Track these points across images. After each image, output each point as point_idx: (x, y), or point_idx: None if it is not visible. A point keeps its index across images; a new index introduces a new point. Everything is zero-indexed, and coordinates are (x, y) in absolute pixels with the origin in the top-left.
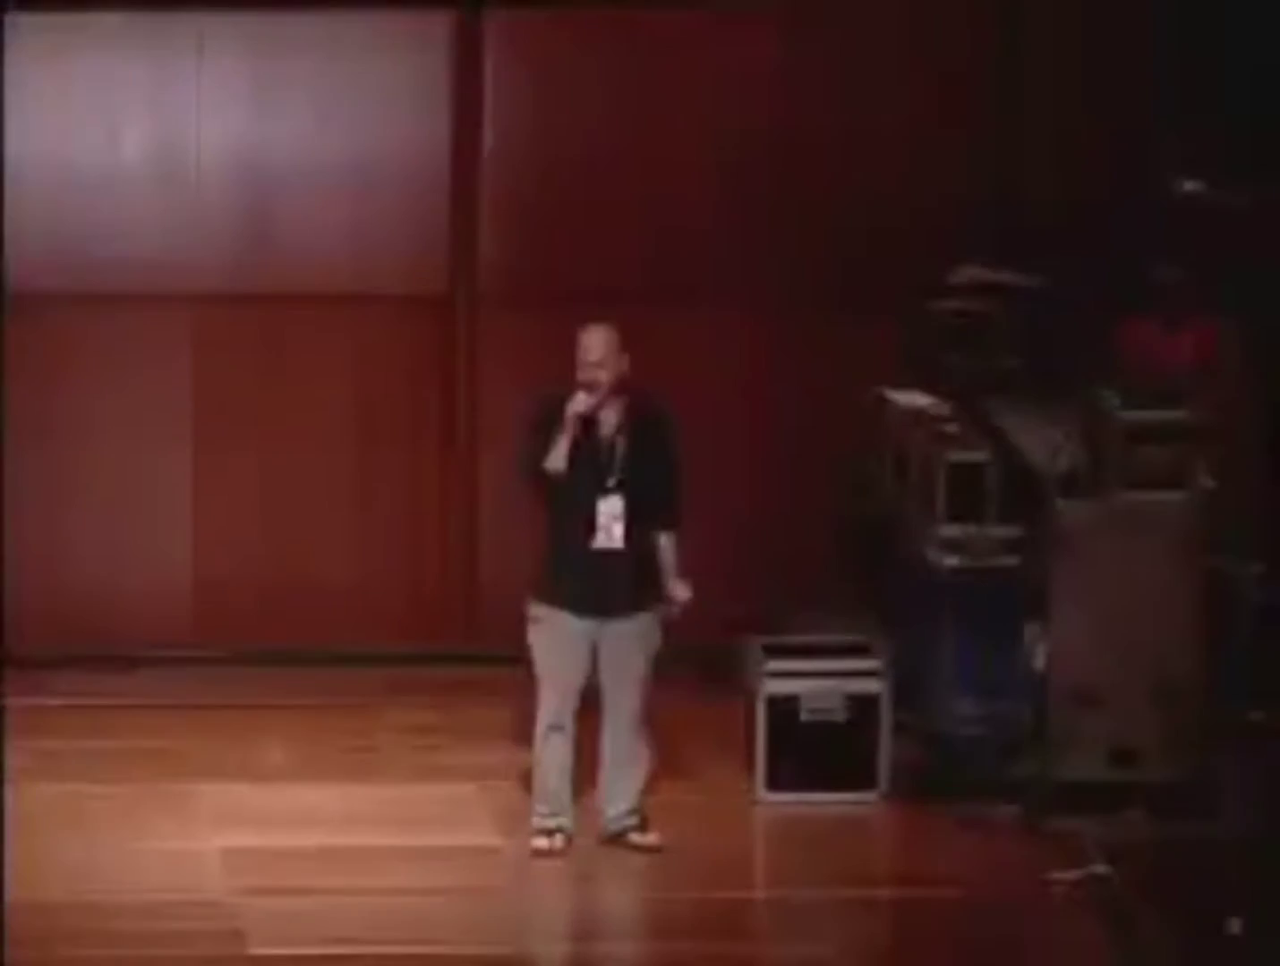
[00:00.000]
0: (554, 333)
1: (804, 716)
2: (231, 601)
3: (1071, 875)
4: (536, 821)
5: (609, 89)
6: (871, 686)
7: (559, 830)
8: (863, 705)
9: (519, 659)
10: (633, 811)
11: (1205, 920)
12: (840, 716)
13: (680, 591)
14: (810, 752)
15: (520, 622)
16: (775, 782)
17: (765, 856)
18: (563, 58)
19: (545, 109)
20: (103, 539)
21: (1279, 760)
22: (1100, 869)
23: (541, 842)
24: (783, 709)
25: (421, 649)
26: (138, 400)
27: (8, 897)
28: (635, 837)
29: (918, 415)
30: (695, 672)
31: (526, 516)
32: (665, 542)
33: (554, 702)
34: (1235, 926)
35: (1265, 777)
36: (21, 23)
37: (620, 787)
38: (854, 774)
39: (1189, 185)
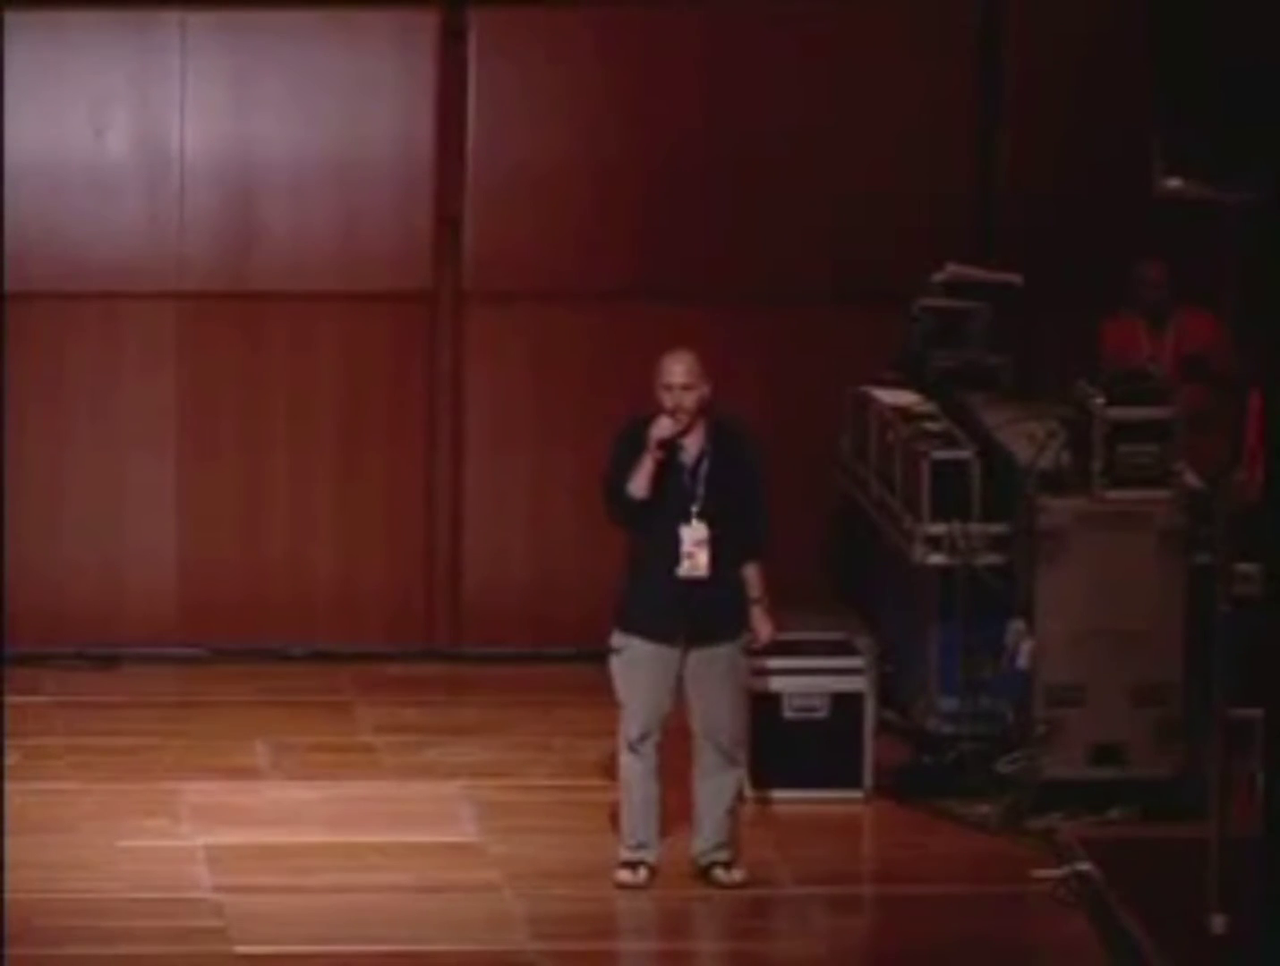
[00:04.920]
0: (539, 330)
1: (788, 714)
2: (216, 599)
3: (1055, 873)
4: (623, 854)
5: (593, 85)
6: (855, 684)
7: (642, 864)
8: (846, 703)
9: (502, 657)
10: (720, 846)
11: (1189, 918)
12: (824, 714)
13: (763, 627)
14: (794, 750)
15: (506, 621)
16: (759, 780)
17: (749, 853)
18: (547, 54)
19: (529, 105)
20: (88, 536)
21: (1263, 758)
22: (1083, 867)
23: (625, 875)
24: (767, 706)
25: (406, 647)
26: (122, 398)
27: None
28: (719, 874)
29: (902, 412)
30: None
31: (516, 516)
32: (751, 572)
33: (635, 734)
34: (1219, 925)
35: (1249, 775)
36: (3, 19)
37: (708, 820)
38: (838, 771)
39: (1173, 182)
